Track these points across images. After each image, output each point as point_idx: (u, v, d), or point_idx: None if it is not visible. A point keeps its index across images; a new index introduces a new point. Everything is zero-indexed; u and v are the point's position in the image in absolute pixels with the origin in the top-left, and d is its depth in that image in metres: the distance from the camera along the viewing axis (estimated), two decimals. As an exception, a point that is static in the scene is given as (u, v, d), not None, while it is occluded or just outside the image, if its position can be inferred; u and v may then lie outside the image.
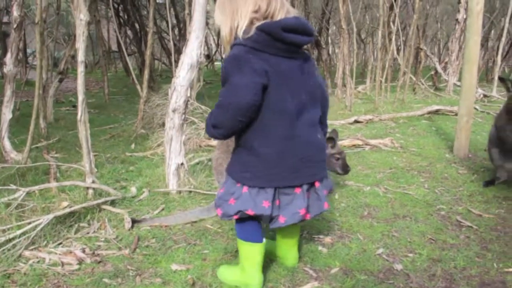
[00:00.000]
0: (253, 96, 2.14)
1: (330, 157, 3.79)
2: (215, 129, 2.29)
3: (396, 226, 3.42)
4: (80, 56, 3.54)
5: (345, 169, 3.81)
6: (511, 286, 2.61)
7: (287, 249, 2.79)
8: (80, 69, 3.56)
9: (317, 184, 2.47)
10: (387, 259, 2.91)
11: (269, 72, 2.17)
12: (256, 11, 2.21)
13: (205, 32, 4.50)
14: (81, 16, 3.52)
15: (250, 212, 2.33)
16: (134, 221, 3.40)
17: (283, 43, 2.20)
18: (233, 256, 2.91)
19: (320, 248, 3.04)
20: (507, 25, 11.27)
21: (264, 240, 2.54)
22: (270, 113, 2.25)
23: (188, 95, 4.07)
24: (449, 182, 4.45)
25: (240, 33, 2.21)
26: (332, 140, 3.74)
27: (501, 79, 3.73)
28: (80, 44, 3.54)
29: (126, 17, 13.89)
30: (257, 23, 2.19)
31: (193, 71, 4.06)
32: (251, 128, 2.28)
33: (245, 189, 2.34)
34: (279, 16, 2.23)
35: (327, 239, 3.17)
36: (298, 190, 2.38)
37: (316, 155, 2.44)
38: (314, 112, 2.45)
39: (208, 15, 4.37)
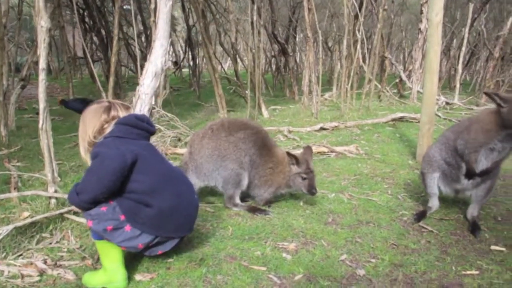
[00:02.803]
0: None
1: (296, 175, 3.84)
2: None
3: (360, 232, 3.47)
4: (41, 64, 3.49)
5: (311, 190, 3.85)
6: (468, 289, 2.69)
7: None
8: (41, 76, 3.50)
9: None
10: (350, 264, 2.96)
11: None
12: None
13: (170, 40, 4.49)
14: (42, 23, 3.46)
15: None
16: None
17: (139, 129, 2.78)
18: (197, 264, 2.92)
19: (284, 255, 3.06)
20: (466, 35, 11.62)
21: None
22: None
23: (153, 103, 4.06)
24: (412, 188, 4.55)
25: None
26: (294, 157, 3.79)
27: (487, 94, 3.49)
28: (41, 51, 3.48)
29: (91, 23, 13.72)
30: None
31: (157, 79, 4.06)
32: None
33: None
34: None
35: (292, 246, 3.19)
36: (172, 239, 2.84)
37: (193, 212, 2.96)
38: (186, 177, 3.09)
39: (176, 22, 4.34)
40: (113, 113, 2.76)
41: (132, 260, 2.95)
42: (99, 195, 2.55)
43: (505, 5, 15.42)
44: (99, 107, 2.77)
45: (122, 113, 2.78)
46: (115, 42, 7.38)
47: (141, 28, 14.85)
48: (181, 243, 2.95)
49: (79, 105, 6.80)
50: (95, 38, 14.87)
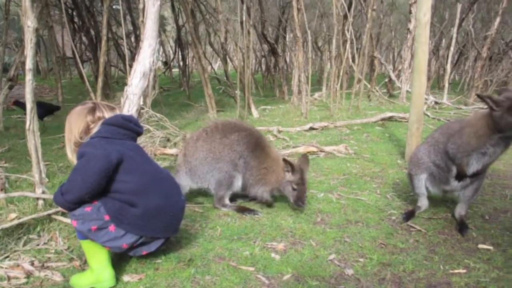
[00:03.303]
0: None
1: (288, 183, 3.83)
2: None
3: (348, 231, 3.48)
4: (28, 64, 3.45)
5: (297, 202, 3.81)
6: (455, 287, 2.70)
7: None
8: (28, 77, 3.47)
9: None
10: (339, 264, 2.96)
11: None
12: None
13: (159, 40, 4.48)
14: (29, 23, 3.43)
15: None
16: None
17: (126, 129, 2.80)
18: (186, 265, 2.91)
19: (273, 255, 3.07)
20: (455, 35, 11.70)
21: None
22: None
23: (141, 103, 4.04)
24: (401, 188, 4.57)
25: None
26: (290, 165, 3.75)
27: (480, 96, 3.45)
28: (28, 52, 3.45)
29: (80, 23, 13.64)
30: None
31: (146, 79, 4.04)
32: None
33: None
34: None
35: (280, 246, 3.20)
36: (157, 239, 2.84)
37: (179, 213, 2.95)
38: (173, 178, 3.05)
39: (166, 22, 4.35)
40: (98, 113, 2.76)
41: (120, 261, 2.93)
42: (84, 195, 2.54)
43: (492, 5, 15.53)
44: (83, 108, 2.77)
45: (107, 114, 2.79)
46: (103, 42, 7.35)
47: (131, 28, 14.79)
48: (167, 243, 2.96)
49: (39, 110, 6.71)
50: (84, 38, 14.76)
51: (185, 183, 3.98)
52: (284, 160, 3.82)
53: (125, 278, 2.76)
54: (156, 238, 2.80)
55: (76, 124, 2.72)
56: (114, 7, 14.63)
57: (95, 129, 2.72)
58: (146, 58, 4.10)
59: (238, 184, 3.99)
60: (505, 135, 3.26)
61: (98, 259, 2.68)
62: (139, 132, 2.94)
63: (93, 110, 2.76)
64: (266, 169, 3.96)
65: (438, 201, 4.10)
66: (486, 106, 3.33)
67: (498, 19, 11.93)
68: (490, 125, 3.28)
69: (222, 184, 3.93)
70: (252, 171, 3.97)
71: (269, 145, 4.22)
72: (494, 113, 3.22)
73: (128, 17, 13.80)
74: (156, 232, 2.76)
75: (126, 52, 7.58)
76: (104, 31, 7.47)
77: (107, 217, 2.59)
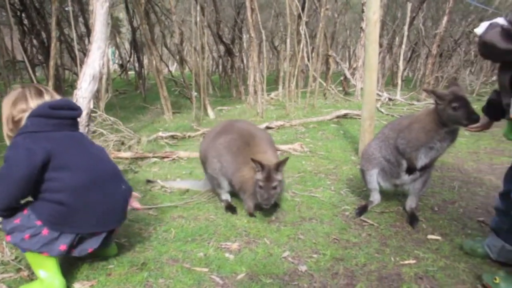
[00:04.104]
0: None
1: (256, 182, 3.62)
2: None
3: (302, 228, 3.52)
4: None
5: (262, 201, 3.57)
6: (405, 277, 2.78)
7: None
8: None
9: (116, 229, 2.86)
10: (293, 261, 2.99)
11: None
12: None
13: (108, 43, 4.40)
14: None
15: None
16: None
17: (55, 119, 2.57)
18: (139, 269, 2.87)
19: (227, 255, 3.06)
20: (406, 33, 12.01)
21: None
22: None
23: (91, 107, 3.95)
24: (354, 183, 4.65)
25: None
26: (258, 164, 3.54)
27: (426, 90, 3.53)
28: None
29: (30, 25, 13.23)
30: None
31: (96, 82, 3.97)
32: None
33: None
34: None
35: (234, 246, 3.20)
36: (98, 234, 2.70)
37: (118, 204, 2.79)
38: (113, 166, 2.87)
39: (120, 24, 4.29)
40: (20, 105, 2.58)
41: (70, 268, 2.86)
42: (12, 202, 2.46)
43: (440, 4, 16.03)
44: (7, 99, 2.61)
45: (33, 103, 2.58)
46: (53, 45, 7.16)
47: (85, 30, 14.45)
48: (111, 239, 2.85)
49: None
50: (35, 41, 14.32)
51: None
52: (252, 159, 3.60)
53: (76, 285, 2.70)
54: (96, 233, 2.67)
55: (4, 117, 2.57)
56: (67, 8, 14.26)
57: (23, 121, 2.54)
58: (96, 61, 4.03)
59: (225, 185, 4.01)
60: (450, 129, 3.37)
61: (46, 268, 2.57)
62: (74, 117, 2.70)
63: (16, 101, 2.57)
64: (243, 176, 3.79)
65: (390, 195, 4.19)
66: None
67: (445, 18, 12.33)
68: (437, 120, 3.39)
69: (213, 183, 4.06)
70: (233, 177, 3.86)
71: (260, 150, 3.86)
72: (438, 106, 3.32)
73: (81, 18, 13.45)
74: (93, 227, 2.62)
75: (78, 55, 7.39)
76: (54, 34, 7.26)
77: (39, 223, 2.48)
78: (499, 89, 2.62)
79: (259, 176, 3.56)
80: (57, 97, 2.72)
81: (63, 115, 2.61)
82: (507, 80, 2.41)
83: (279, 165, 3.56)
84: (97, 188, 2.62)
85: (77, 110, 2.74)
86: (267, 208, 3.63)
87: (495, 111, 2.81)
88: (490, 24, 2.45)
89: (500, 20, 2.39)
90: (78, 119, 2.80)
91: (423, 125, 3.49)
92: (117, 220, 2.79)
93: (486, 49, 2.43)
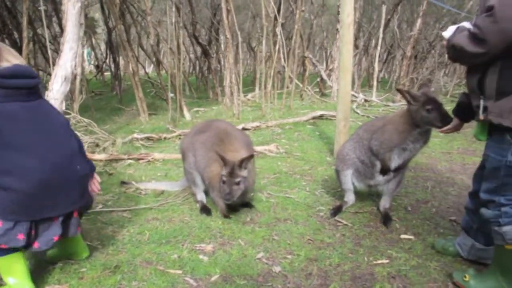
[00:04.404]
0: None
1: (221, 176, 3.60)
2: None
3: (277, 229, 3.52)
4: None
5: (224, 196, 3.55)
6: (378, 277, 2.80)
7: (74, 245, 2.92)
8: None
9: (74, 213, 2.66)
10: (267, 262, 2.99)
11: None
12: None
13: (82, 43, 4.36)
14: None
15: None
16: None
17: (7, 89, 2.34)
18: (112, 272, 2.83)
19: (201, 257, 3.05)
20: (381, 35, 12.15)
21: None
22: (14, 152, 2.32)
23: (64, 108, 3.90)
24: (329, 184, 4.68)
25: None
26: (222, 158, 3.53)
27: (399, 90, 3.57)
28: None
29: (1, 24, 12.96)
30: None
31: (68, 83, 3.92)
32: None
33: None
34: None
35: (209, 248, 3.19)
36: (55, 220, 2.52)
37: (73, 185, 2.58)
38: (69, 145, 2.63)
39: (96, 24, 4.25)
40: None
41: (41, 272, 2.81)
42: None
43: (415, 7, 16.25)
44: None
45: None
46: (25, 45, 7.03)
47: (59, 30, 14.23)
48: (74, 222, 2.66)
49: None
50: (7, 41, 14.04)
51: None
52: (217, 153, 3.59)
53: (47, 290, 2.66)
54: (54, 218, 2.50)
55: None
56: (40, 8, 14.02)
57: None
58: (68, 62, 3.99)
59: (199, 181, 4.04)
60: (422, 130, 3.42)
61: (14, 274, 2.48)
62: (29, 86, 2.46)
63: None
64: (212, 171, 3.77)
65: (364, 196, 4.23)
66: None
67: (419, 21, 12.52)
68: (410, 121, 3.44)
69: (189, 180, 4.11)
70: (203, 172, 3.88)
71: (235, 149, 3.82)
72: (411, 107, 3.37)
73: (55, 18, 13.23)
74: (48, 211, 2.44)
75: (50, 55, 7.25)
76: (25, 34, 7.14)
77: None
78: (468, 92, 2.67)
79: (223, 171, 3.56)
80: (15, 61, 2.48)
81: (14, 85, 2.38)
82: (475, 83, 2.46)
83: (243, 162, 3.53)
84: (49, 168, 2.41)
85: (34, 78, 2.50)
86: (229, 203, 3.62)
87: (465, 113, 2.86)
88: (458, 27, 2.50)
89: (467, 24, 2.44)
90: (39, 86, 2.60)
91: (396, 126, 3.53)
92: (72, 203, 2.59)
93: (455, 53, 2.47)
